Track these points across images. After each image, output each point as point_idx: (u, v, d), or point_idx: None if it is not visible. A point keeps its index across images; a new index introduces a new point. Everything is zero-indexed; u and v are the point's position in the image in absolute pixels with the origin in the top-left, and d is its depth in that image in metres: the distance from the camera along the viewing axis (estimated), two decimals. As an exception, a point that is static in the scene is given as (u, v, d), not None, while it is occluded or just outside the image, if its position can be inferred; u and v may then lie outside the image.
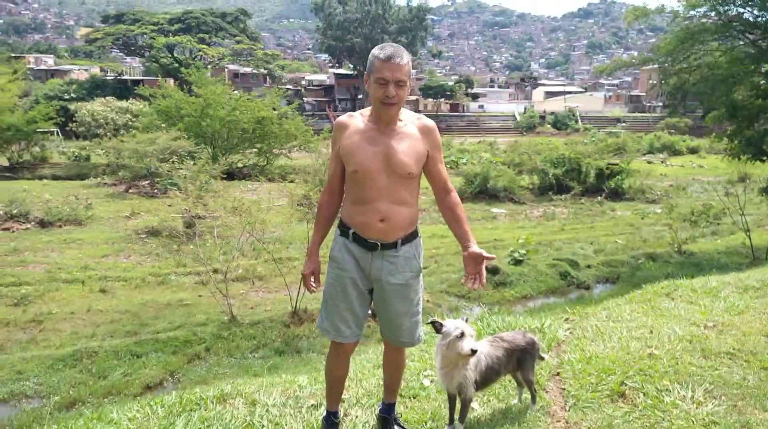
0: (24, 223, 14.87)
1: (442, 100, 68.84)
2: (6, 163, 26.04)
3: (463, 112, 68.31)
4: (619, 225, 17.65)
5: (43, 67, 65.71)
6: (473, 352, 2.50)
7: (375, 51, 2.46)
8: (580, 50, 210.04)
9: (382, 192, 2.50)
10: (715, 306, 4.38)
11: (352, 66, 68.60)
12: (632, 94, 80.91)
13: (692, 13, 17.54)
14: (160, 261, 12.45)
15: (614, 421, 2.79)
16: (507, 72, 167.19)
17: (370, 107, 2.60)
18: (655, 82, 22.44)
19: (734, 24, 16.68)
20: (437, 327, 2.62)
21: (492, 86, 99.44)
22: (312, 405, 3.07)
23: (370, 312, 3.05)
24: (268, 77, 62.56)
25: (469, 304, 10.64)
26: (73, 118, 29.99)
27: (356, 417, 2.94)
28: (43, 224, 14.90)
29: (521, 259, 12.31)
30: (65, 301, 10.01)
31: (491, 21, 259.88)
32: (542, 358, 3.17)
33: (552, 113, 63.94)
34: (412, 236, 2.63)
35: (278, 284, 10.70)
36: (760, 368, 3.27)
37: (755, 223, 16.71)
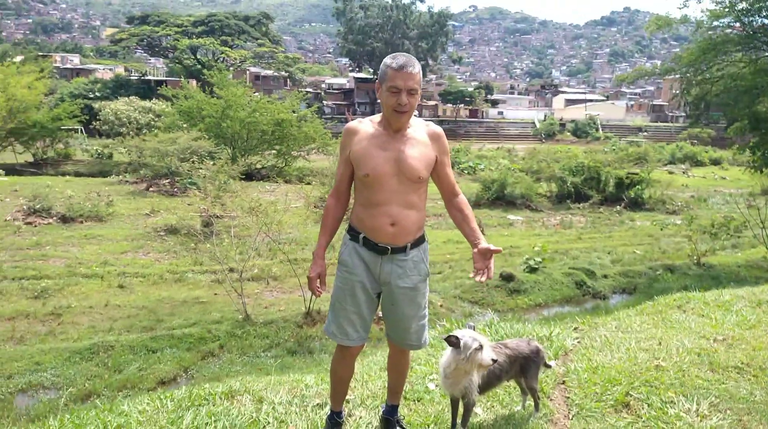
0: (46, 217, 15.15)
1: (462, 105, 68.75)
2: (30, 159, 26.58)
3: (482, 118, 68.15)
4: (638, 235, 17.47)
5: (69, 66, 67.00)
6: (494, 361, 2.53)
7: (387, 60, 2.52)
8: (602, 58, 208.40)
9: (393, 196, 2.55)
10: (726, 319, 4.34)
11: (372, 70, 68.88)
12: (655, 103, 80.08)
13: (716, 23, 17.38)
14: (178, 259, 12.61)
15: (617, 431, 2.80)
16: (527, 79, 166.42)
17: (379, 114, 2.66)
18: (677, 91, 22.18)
19: (758, 35, 16.47)
20: (453, 342, 2.62)
21: (512, 93, 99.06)
22: (317, 404, 3.12)
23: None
24: (288, 80, 63.07)
25: (482, 310, 10.62)
26: (97, 117, 30.53)
27: (360, 417, 2.98)
28: (64, 219, 15.17)
29: (536, 266, 12.24)
30: (84, 296, 10.18)
31: (513, 28, 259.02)
32: (549, 366, 3.19)
33: (572, 121, 63.51)
34: (421, 240, 2.69)
35: (293, 285, 10.78)
36: (768, 383, 3.24)
37: (777, 237, 16.41)
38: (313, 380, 3.48)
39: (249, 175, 23.03)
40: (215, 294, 10.46)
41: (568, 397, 3.17)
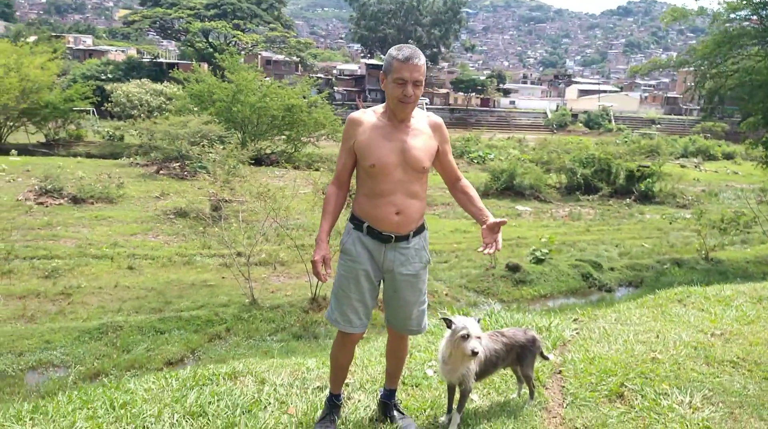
0: (57, 198, 15.32)
1: (473, 94, 68.32)
2: (43, 140, 26.80)
3: (494, 107, 67.72)
4: (647, 228, 17.41)
5: (81, 47, 67.13)
6: (474, 353, 2.59)
7: (392, 52, 2.56)
8: (618, 49, 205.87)
9: (398, 186, 2.61)
10: (725, 314, 4.37)
11: (383, 57, 68.40)
12: (669, 95, 79.19)
13: (733, 15, 17.16)
14: (187, 242, 12.75)
15: (609, 420, 2.86)
16: (541, 68, 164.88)
17: (381, 104, 2.70)
18: (691, 84, 21.97)
19: (775, 28, 16.26)
20: (448, 323, 2.71)
21: (525, 82, 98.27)
22: (317, 387, 3.20)
23: None
24: (299, 65, 62.91)
25: (487, 300, 10.67)
26: (109, 99, 30.69)
27: (358, 401, 3.06)
28: (75, 200, 15.34)
29: (543, 258, 12.26)
30: (94, 276, 10.34)
31: (527, 16, 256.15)
32: (547, 358, 3.24)
33: (585, 112, 62.99)
34: (422, 228, 2.76)
35: (299, 270, 10.88)
36: (762, 378, 3.28)
37: (787, 234, 16.30)
38: (314, 364, 3.56)
39: (258, 161, 23.11)
40: (223, 277, 10.58)
41: (564, 387, 3.23)
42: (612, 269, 12.82)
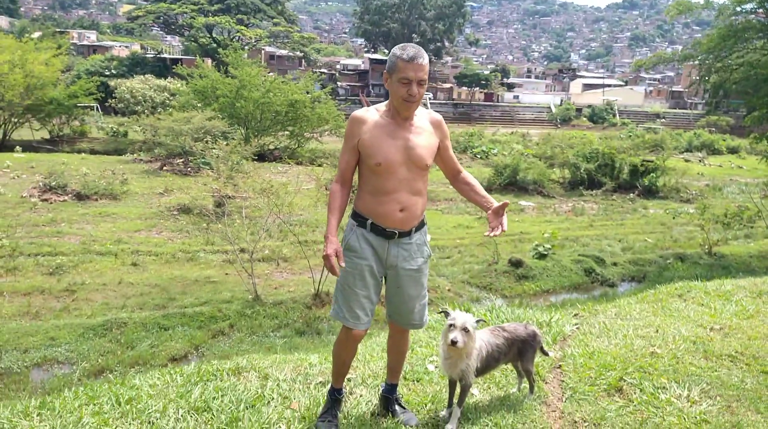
0: (61, 195, 15.39)
1: (477, 89, 68.18)
2: (47, 136, 26.88)
3: (498, 102, 67.57)
4: (650, 223, 17.39)
5: (85, 42, 67.23)
6: (452, 343, 2.64)
7: (397, 51, 2.60)
8: (623, 42, 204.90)
9: (402, 183, 2.66)
10: (725, 309, 4.40)
11: (387, 51, 68.34)
12: (674, 89, 78.88)
13: (739, 8, 17.06)
14: (190, 238, 12.80)
15: (608, 414, 2.89)
16: (545, 62, 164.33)
17: (384, 103, 2.73)
18: (697, 78, 21.87)
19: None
20: (445, 314, 2.79)
21: (529, 76, 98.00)
22: (320, 382, 3.25)
23: None
24: (303, 60, 62.83)
25: (489, 295, 10.70)
26: (113, 95, 30.73)
27: (360, 396, 3.10)
28: (79, 197, 15.40)
29: (545, 253, 12.27)
30: (98, 273, 10.40)
31: (532, 9, 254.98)
32: (546, 354, 3.28)
33: (589, 106, 62.78)
34: (422, 224, 2.82)
35: (302, 266, 10.92)
36: (760, 372, 3.31)
37: (790, 228, 16.26)
38: (317, 359, 3.61)
39: (261, 156, 23.15)
40: (226, 274, 10.63)
41: (563, 381, 3.26)
42: (615, 264, 12.82)
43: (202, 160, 19.50)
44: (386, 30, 69.36)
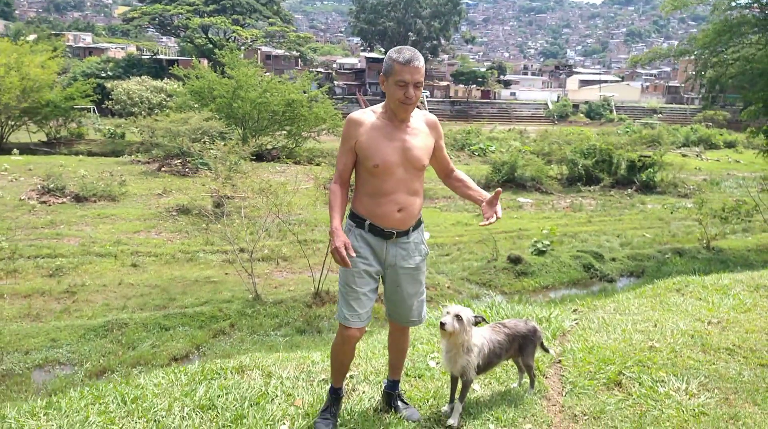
0: (60, 197, 15.40)
1: (474, 86, 68.20)
2: (44, 139, 26.86)
3: (495, 99, 67.60)
4: (648, 219, 17.44)
5: (81, 44, 67.20)
6: (441, 325, 2.71)
7: (393, 54, 2.62)
8: (619, 38, 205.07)
9: (400, 184, 2.69)
10: (723, 303, 4.44)
11: (383, 50, 68.42)
12: (670, 84, 79.00)
13: (734, 3, 17.13)
14: (190, 238, 12.82)
15: (607, 408, 2.93)
16: (542, 59, 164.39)
17: (380, 104, 2.76)
18: (693, 73, 21.93)
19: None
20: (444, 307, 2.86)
21: (525, 73, 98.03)
22: (323, 379, 3.28)
23: None
24: (299, 60, 62.79)
25: (489, 292, 10.74)
26: (109, 96, 30.71)
27: (363, 392, 3.14)
28: (78, 199, 15.41)
29: (544, 249, 12.31)
30: (98, 274, 10.41)
31: (527, 6, 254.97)
32: (547, 351, 3.31)
33: (586, 102, 62.86)
34: (419, 223, 2.86)
35: (302, 265, 10.94)
36: (757, 364, 3.35)
37: (788, 222, 16.32)
38: (319, 357, 3.64)
39: (259, 156, 23.15)
40: (226, 274, 10.65)
41: (563, 376, 3.30)
42: (613, 260, 12.86)
43: (200, 161, 19.51)
44: (382, 28, 69.32)
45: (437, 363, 3.48)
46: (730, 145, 39.45)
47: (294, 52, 59.98)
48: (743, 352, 3.49)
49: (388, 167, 2.64)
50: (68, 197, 15.43)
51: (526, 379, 3.18)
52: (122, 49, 62.02)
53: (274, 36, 57.33)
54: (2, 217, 13.44)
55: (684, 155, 32.42)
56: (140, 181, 18.52)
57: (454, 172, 2.95)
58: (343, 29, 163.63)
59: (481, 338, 2.87)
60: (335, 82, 60.24)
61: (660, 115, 59.59)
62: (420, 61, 2.59)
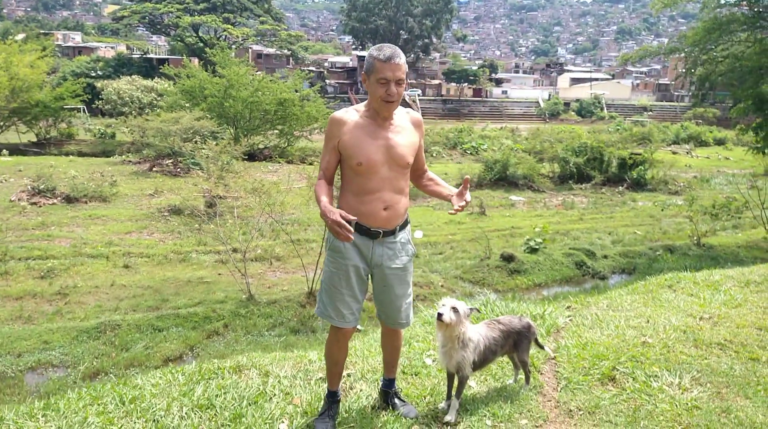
0: (51, 198, 15.30)
1: (465, 84, 68.34)
2: (34, 139, 26.66)
3: (486, 97, 67.75)
4: (639, 216, 17.56)
5: (70, 44, 66.72)
6: (439, 316, 2.74)
7: (373, 52, 2.62)
8: (609, 36, 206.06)
9: (385, 182, 2.69)
10: (714, 299, 4.50)
11: (375, 49, 68.21)
12: (660, 82, 79.48)
13: (723, 1, 17.24)
14: (182, 239, 12.78)
15: (602, 403, 2.97)
16: (533, 57, 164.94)
17: (363, 103, 2.77)
18: (683, 71, 22.07)
19: (764, 14, 16.35)
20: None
21: (517, 71, 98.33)
22: (320, 378, 3.30)
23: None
24: (291, 58, 62.66)
25: (482, 290, 10.77)
26: (99, 96, 30.53)
27: (360, 390, 3.16)
28: (69, 200, 15.31)
29: (537, 247, 12.37)
30: (90, 276, 10.36)
31: (518, 4, 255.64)
32: (542, 347, 3.35)
33: (577, 100, 63.14)
34: (406, 222, 2.85)
35: (295, 265, 10.94)
36: (748, 358, 3.40)
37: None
38: (316, 356, 3.66)
39: (251, 156, 23.11)
40: (219, 274, 10.63)
41: (558, 371, 3.34)
42: (605, 257, 12.94)
43: (192, 161, 19.44)
44: (374, 27, 69.26)
45: (433, 360, 3.51)
46: (719, 142, 39.76)
47: (285, 51, 59.84)
48: (734, 346, 3.55)
49: (372, 165, 2.64)
50: (59, 198, 15.33)
51: (522, 376, 3.22)
52: (112, 48, 61.64)
53: (265, 34, 57.16)
54: (-8, 218, 13.34)
55: (674, 153, 32.63)
56: (131, 182, 18.43)
57: (427, 173, 2.95)
58: (334, 28, 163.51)
59: (477, 334, 2.90)
60: (327, 81, 60.13)
61: (650, 113, 59.99)
62: (400, 58, 2.58)
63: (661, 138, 36.19)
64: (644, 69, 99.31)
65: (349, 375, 3.32)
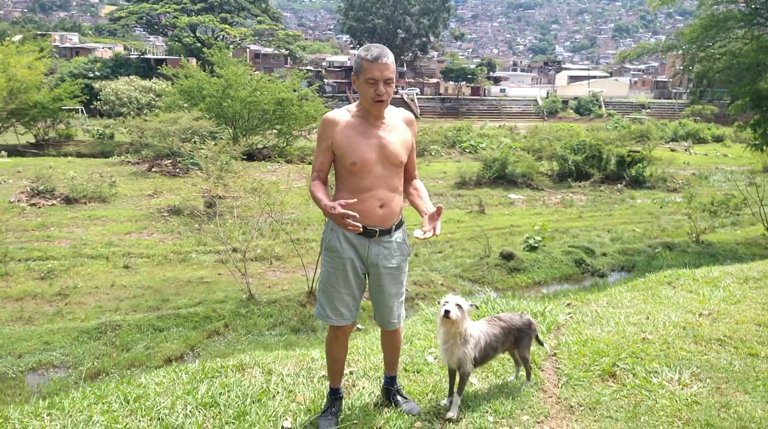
0: (50, 199, 15.29)
1: (464, 83, 68.39)
2: (32, 140, 26.64)
3: (484, 95, 67.80)
4: (638, 213, 17.58)
5: (68, 44, 66.65)
6: (446, 313, 2.76)
7: (361, 53, 2.63)
8: (607, 34, 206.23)
9: (379, 181, 2.70)
10: (713, 295, 4.52)
11: (373, 48, 68.16)
12: (658, 79, 79.56)
13: (720, -2, 17.27)
14: (182, 239, 12.78)
15: (602, 398, 3.00)
16: (531, 55, 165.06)
17: (354, 104, 2.79)
18: (680, 68, 22.07)
19: (761, 11, 16.38)
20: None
21: (515, 70, 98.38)
22: (323, 376, 3.32)
23: None
24: (289, 58, 62.64)
25: (482, 289, 10.78)
26: (98, 97, 30.50)
27: (363, 388, 3.18)
28: (68, 201, 15.31)
29: (536, 245, 12.39)
30: (90, 276, 10.37)
31: (516, 2, 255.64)
32: (542, 344, 3.37)
33: (575, 98, 63.20)
34: (401, 222, 2.88)
35: (295, 264, 10.96)
36: (747, 354, 3.43)
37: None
38: (318, 354, 3.68)
39: (250, 155, 23.11)
40: (219, 274, 10.65)
41: (558, 368, 3.36)
42: (604, 255, 12.96)
43: (191, 161, 19.44)
44: (371, 26, 69.21)
45: (435, 358, 3.53)
46: (717, 139, 39.80)
47: (283, 51, 59.83)
48: (734, 342, 3.58)
49: (365, 164, 2.66)
50: (58, 199, 15.33)
51: (523, 372, 3.24)
52: (109, 48, 61.59)
53: (262, 34, 57.13)
54: (-8, 219, 13.34)
55: (672, 150, 32.66)
56: (130, 182, 18.43)
57: (415, 180, 2.93)
58: (332, 27, 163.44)
59: (478, 331, 2.92)
60: (325, 80, 60.16)
61: (648, 110, 60.08)
62: (388, 58, 2.60)
63: (660, 135, 36.20)
64: (642, 66, 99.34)
65: (351, 373, 3.34)
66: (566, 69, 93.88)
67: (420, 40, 72.70)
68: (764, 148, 18.04)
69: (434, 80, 69.62)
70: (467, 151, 29.48)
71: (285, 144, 26.58)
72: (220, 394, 3.00)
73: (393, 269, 2.80)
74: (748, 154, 20.52)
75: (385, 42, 63.38)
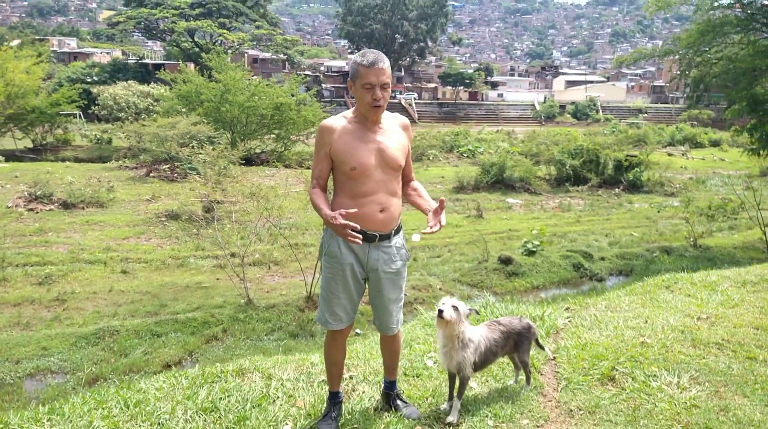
0: (48, 204, 15.27)
1: (461, 88, 68.58)
2: (30, 145, 26.61)
3: (482, 100, 67.96)
4: (636, 218, 17.62)
5: (66, 49, 66.64)
6: (439, 312, 2.77)
7: (357, 58, 2.65)
8: (604, 39, 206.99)
9: (379, 186, 2.72)
10: (711, 299, 4.54)
11: (371, 53, 68.33)
12: (655, 84, 79.85)
13: (716, 3, 17.35)
14: (180, 244, 12.76)
15: (601, 402, 3.01)
16: (528, 60, 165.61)
17: (350, 110, 2.81)
18: (677, 73, 22.17)
19: (757, 16, 16.48)
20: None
21: (512, 75, 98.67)
22: (322, 380, 3.32)
23: None
24: (287, 63, 62.75)
25: (481, 293, 10.78)
26: (96, 102, 30.51)
27: (363, 392, 3.19)
28: (66, 206, 15.28)
29: (534, 249, 12.40)
30: (88, 281, 10.34)
31: (513, 8, 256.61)
32: (542, 348, 3.38)
33: (572, 103, 63.39)
34: (400, 227, 2.90)
35: (294, 269, 10.95)
36: (746, 358, 3.44)
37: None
38: (318, 359, 3.68)
39: (248, 160, 23.10)
40: (217, 279, 10.63)
41: (558, 372, 3.37)
42: (602, 259, 12.98)
43: (189, 166, 19.42)
44: (369, 31, 69.40)
45: (434, 362, 3.54)
46: (715, 143, 39.93)
47: (281, 56, 59.94)
48: (732, 346, 3.59)
49: (365, 169, 2.67)
50: (56, 204, 15.30)
51: (522, 376, 3.25)
52: (107, 53, 61.66)
53: (260, 39, 57.20)
54: (-10, 225, 13.31)
55: (670, 154, 32.77)
56: (128, 187, 18.41)
57: (412, 182, 2.97)
58: (330, 32, 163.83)
59: (477, 335, 2.93)
60: (323, 85, 60.26)
61: (645, 115, 60.28)
62: (384, 63, 2.61)
63: (657, 140, 36.32)
64: (639, 71, 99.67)
65: (351, 377, 3.35)
66: (563, 74, 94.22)
67: (418, 45, 72.90)
68: (761, 152, 18.10)
69: (432, 85, 69.81)
70: (465, 155, 29.53)
71: (283, 149, 26.60)
72: (221, 399, 3.00)
73: (392, 274, 2.82)
74: (745, 158, 20.57)
75: (383, 47, 63.63)
